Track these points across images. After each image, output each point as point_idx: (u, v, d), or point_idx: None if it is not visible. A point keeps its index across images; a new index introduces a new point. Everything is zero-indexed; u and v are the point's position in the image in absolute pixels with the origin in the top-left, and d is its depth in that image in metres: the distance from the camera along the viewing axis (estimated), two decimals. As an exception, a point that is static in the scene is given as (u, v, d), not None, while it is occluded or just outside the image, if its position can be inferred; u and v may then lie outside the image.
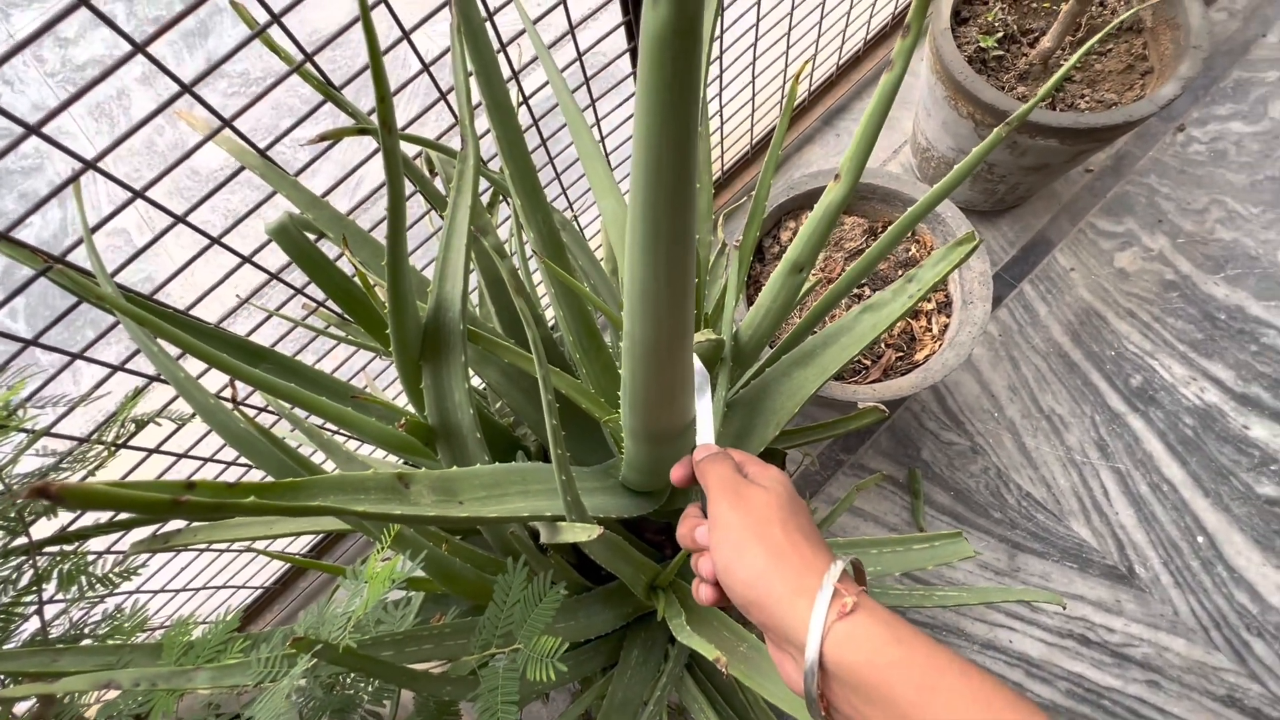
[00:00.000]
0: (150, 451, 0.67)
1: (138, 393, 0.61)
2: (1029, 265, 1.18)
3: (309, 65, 0.51)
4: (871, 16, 1.22)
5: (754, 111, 1.13)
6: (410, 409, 0.58)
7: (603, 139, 0.88)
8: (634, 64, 0.80)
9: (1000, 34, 0.98)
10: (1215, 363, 1.08)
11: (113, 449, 0.60)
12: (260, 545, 0.98)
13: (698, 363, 0.49)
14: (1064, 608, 0.79)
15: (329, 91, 0.52)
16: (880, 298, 0.60)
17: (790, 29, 1.01)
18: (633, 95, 0.90)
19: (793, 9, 0.98)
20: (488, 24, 0.61)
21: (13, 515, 0.51)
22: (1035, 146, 0.92)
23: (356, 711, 0.50)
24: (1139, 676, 0.95)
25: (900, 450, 1.10)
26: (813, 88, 1.26)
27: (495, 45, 0.65)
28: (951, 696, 0.26)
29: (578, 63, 0.72)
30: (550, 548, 0.63)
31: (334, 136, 0.53)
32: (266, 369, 0.58)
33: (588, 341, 0.57)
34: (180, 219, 0.52)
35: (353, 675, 0.50)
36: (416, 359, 0.50)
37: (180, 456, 0.71)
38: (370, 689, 0.50)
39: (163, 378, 0.62)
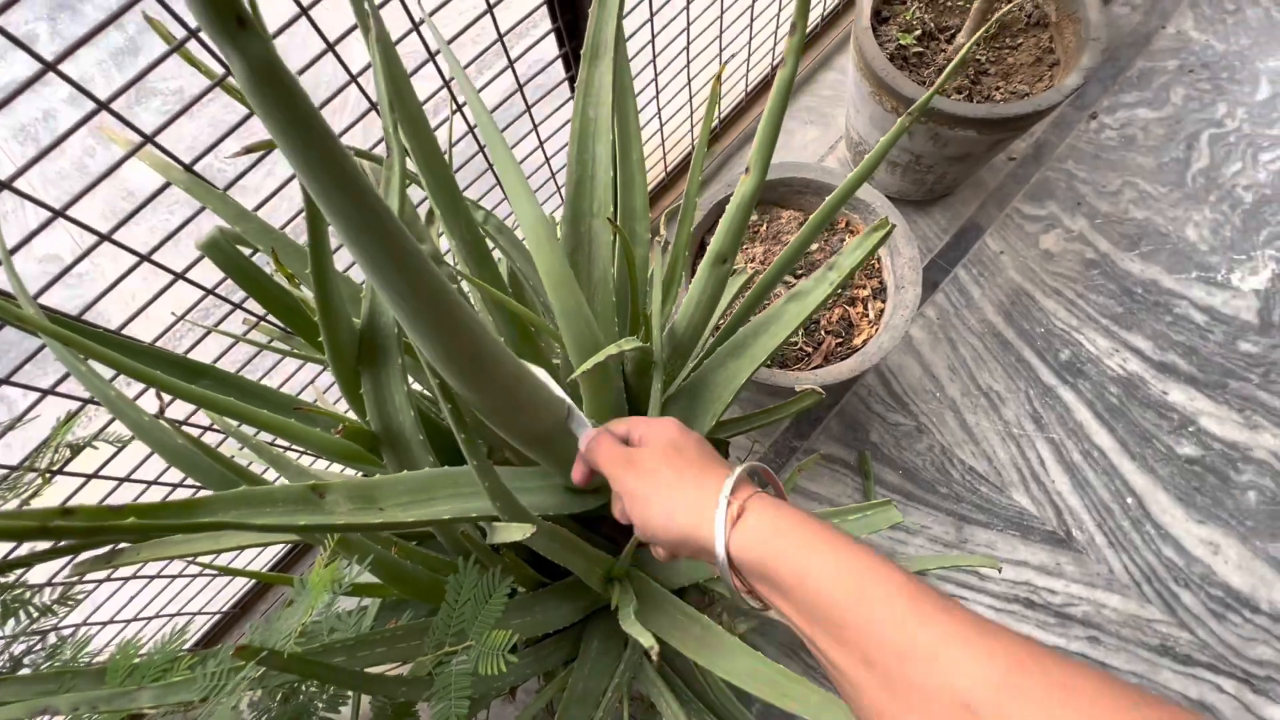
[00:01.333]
0: (89, 477, 0.66)
1: (70, 417, 0.60)
2: (961, 250, 1.23)
3: (231, 79, 0.52)
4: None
5: (693, 114, 1.16)
6: (353, 416, 0.59)
7: (541, 144, 0.90)
8: (567, 69, 0.82)
9: (919, 31, 1.03)
10: (1135, 334, 1.15)
11: (47, 476, 0.59)
12: (223, 561, 0.97)
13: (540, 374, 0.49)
14: (999, 570, 0.83)
15: (253, 105, 0.52)
16: (804, 286, 0.63)
17: (721, 32, 1.04)
18: (568, 101, 0.91)
19: (723, 12, 1.01)
20: (415, 34, 0.62)
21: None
22: (956, 137, 0.97)
23: (312, 719, 0.50)
24: (1080, 634, 1.00)
25: (850, 434, 1.14)
26: (749, 88, 1.30)
27: (425, 55, 0.66)
28: (822, 570, 0.31)
29: (510, 70, 0.74)
30: (503, 546, 0.64)
31: (258, 149, 0.54)
32: (206, 385, 0.58)
33: (522, 345, 0.59)
34: (105, 237, 0.52)
35: (308, 683, 0.50)
36: (353, 366, 0.51)
37: (122, 480, 0.69)
38: (325, 696, 0.50)
39: (95, 400, 0.61)
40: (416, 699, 0.52)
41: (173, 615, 0.94)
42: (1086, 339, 1.16)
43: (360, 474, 0.65)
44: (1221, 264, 1.18)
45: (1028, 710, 0.23)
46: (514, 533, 0.46)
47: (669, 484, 0.38)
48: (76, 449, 0.62)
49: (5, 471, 0.57)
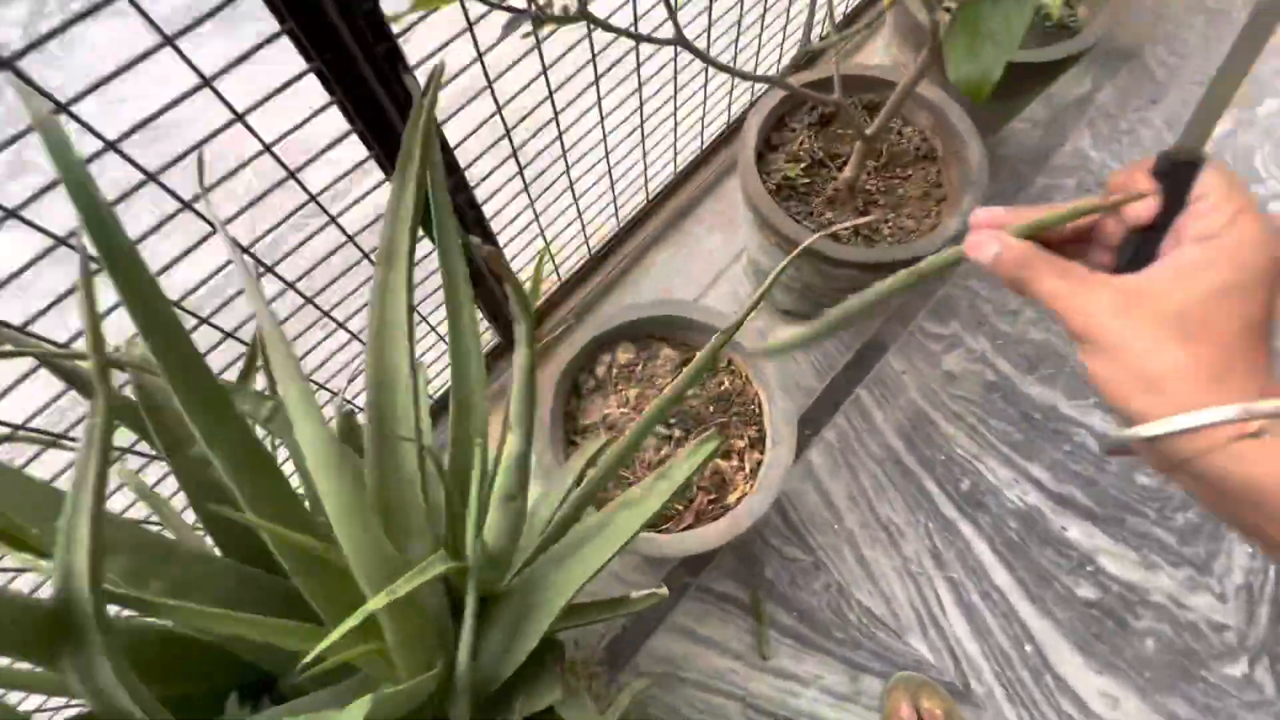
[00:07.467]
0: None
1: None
2: (864, 370, 1.20)
3: None
4: (694, 141, 1.25)
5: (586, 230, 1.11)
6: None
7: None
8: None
9: (806, 162, 1.01)
10: (1034, 463, 1.13)
11: None
12: None
13: None
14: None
15: None
16: (631, 495, 0.57)
17: (573, 193, 1.01)
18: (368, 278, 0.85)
19: (571, 186, 0.97)
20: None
21: None
22: (843, 275, 0.94)
23: None
24: (977, 800, 0.94)
25: (745, 569, 1.07)
26: (621, 225, 1.25)
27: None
28: None
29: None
30: None
31: None
32: None
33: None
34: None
35: None
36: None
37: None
38: None
39: None
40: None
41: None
42: (987, 468, 1.13)
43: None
44: (1119, 390, 1.17)
45: None
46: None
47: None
48: None
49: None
